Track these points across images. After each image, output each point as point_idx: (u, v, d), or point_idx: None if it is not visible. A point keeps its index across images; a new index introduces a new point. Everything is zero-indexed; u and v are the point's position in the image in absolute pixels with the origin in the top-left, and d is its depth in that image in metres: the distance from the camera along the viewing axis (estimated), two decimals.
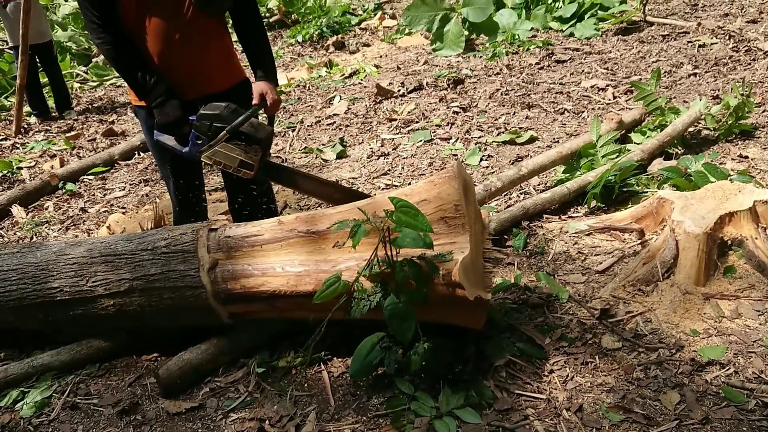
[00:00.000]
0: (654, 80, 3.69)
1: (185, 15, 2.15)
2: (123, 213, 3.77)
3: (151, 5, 2.11)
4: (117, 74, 7.72)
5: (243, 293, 2.04)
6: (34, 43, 6.13)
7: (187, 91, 2.23)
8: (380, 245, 1.78)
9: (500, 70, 5.35)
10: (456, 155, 3.87)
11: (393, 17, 8.37)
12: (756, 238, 2.32)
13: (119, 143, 5.19)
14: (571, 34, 6.13)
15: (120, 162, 4.75)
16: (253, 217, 2.48)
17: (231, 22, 2.37)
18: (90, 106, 6.85)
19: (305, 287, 1.96)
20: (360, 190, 3.60)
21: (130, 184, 4.30)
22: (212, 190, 3.83)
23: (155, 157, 2.49)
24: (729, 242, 2.35)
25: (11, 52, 6.75)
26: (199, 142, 2.15)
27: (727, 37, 5.21)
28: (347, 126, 4.71)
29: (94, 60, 8.88)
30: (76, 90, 7.67)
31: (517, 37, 6.17)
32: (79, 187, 4.38)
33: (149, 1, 2.10)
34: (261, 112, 2.30)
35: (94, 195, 4.23)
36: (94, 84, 7.93)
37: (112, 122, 6.11)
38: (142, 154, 4.84)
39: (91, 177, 4.54)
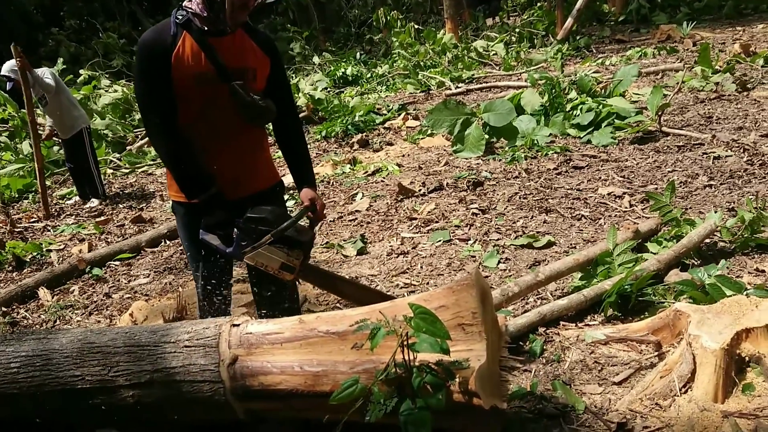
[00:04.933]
0: (669, 191, 3.79)
1: (239, 123, 2.32)
2: (146, 300, 3.85)
3: (211, 111, 2.28)
4: (150, 163, 8.09)
5: (261, 390, 2.06)
6: (65, 137, 6.52)
7: (229, 192, 2.37)
8: (398, 349, 1.82)
9: (519, 173, 5.51)
10: (474, 257, 3.94)
11: (416, 118, 8.70)
12: None
13: (147, 230, 5.35)
14: (589, 141, 6.32)
15: (146, 249, 4.89)
16: (276, 312, 2.55)
17: (271, 128, 2.55)
18: (121, 193, 7.11)
19: (323, 387, 1.98)
20: (379, 287, 3.67)
21: (155, 272, 4.41)
22: (234, 280, 3.91)
23: (188, 251, 2.59)
24: (747, 359, 2.35)
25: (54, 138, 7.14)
26: (243, 243, 2.24)
27: (741, 150, 5.35)
28: (368, 223, 4.83)
29: (128, 148, 9.29)
30: (109, 176, 7.98)
31: (536, 142, 6.37)
32: (105, 273, 4.50)
33: (210, 107, 2.28)
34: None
35: (119, 281, 4.33)
36: (127, 171, 8.25)
37: (141, 209, 6.32)
38: (168, 242, 4.98)
39: (117, 262, 4.67)
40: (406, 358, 1.83)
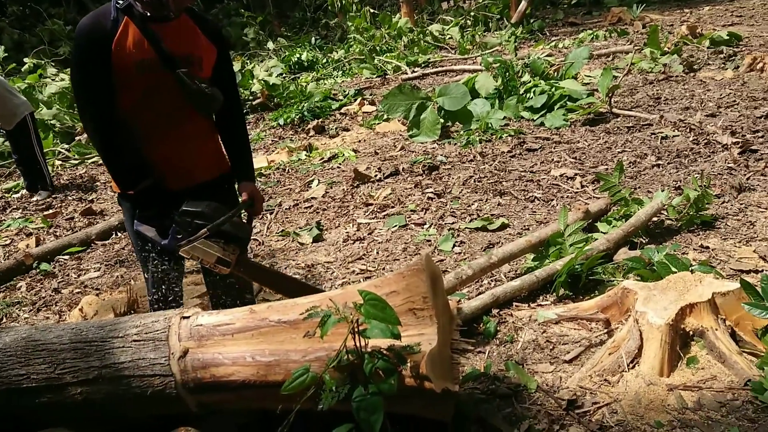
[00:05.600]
0: (618, 172, 3.86)
1: (183, 111, 2.26)
2: (97, 295, 3.75)
3: (154, 99, 2.21)
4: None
5: (212, 382, 2.04)
6: (9, 128, 6.28)
7: (173, 182, 2.31)
8: (349, 336, 1.81)
9: (474, 157, 5.55)
10: (429, 241, 3.96)
11: (372, 103, 8.66)
12: (716, 330, 2.40)
13: (97, 223, 5.21)
14: (542, 124, 6.40)
15: (97, 242, 4.76)
16: (229, 303, 2.52)
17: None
18: (70, 184, 6.91)
19: (275, 377, 1.97)
20: (335, 274, 3.66)
21: (106, 265, 4.30)
22: (188, 272, 3.85)
23: (134, 243, 2.53)
24: (691, 333, 2.43)
25: None
26: (179, 236, 2.20)
27: (688, 130, 5.49)
28: (324, 210, 4.81)
29: (77, 138, 9.00)
30: (58, 168, 7.74)
31: (490, 125, 6.42)
32: (54, 267, 4.37)
33: (152, 95, 2.20)
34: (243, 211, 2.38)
35: (68, 275, 4.22)
36: (76, 162, 8.01)
37: (92, 201, 6.15)
38: (119, 234, 4.86)
39: (66, 257, 4.54)
40: (358, 344, 1.83)
